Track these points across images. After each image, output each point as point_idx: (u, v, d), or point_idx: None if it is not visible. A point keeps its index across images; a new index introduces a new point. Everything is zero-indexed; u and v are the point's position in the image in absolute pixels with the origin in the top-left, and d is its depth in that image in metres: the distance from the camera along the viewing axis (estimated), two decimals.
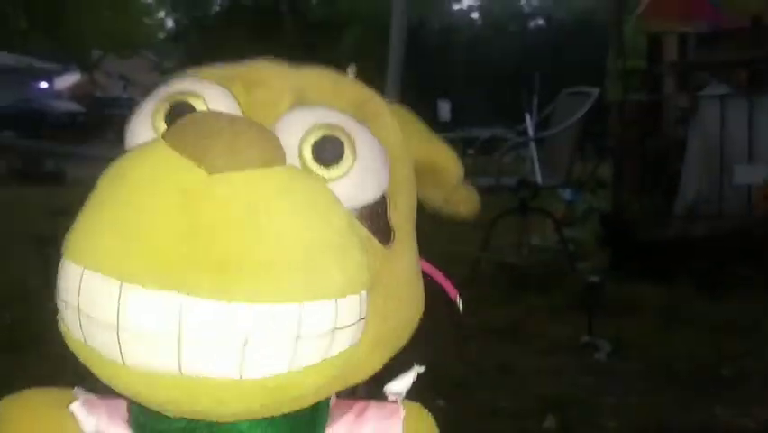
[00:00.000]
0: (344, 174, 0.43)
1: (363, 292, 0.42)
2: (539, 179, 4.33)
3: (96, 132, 20.59)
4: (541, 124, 5.11)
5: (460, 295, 0.58)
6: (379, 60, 4.98)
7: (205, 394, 0.39)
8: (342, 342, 0.41)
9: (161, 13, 22.10)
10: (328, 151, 0.43)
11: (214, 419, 0.41)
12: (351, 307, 0.41)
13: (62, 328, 0.42)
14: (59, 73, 25.13)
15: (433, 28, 17.75)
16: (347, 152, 0.43)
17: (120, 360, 0.38)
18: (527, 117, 5.04)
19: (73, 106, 23.36)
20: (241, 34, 21.04)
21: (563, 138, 4.38)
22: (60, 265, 0.40)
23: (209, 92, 0.45)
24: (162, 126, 0.44)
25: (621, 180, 4.75)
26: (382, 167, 0.45)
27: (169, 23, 23.69)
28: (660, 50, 6.13)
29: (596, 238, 4.95)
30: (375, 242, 0.45)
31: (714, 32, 5.37)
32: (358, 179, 0.44)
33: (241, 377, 0.38)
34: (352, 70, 0.56)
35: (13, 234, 5.45)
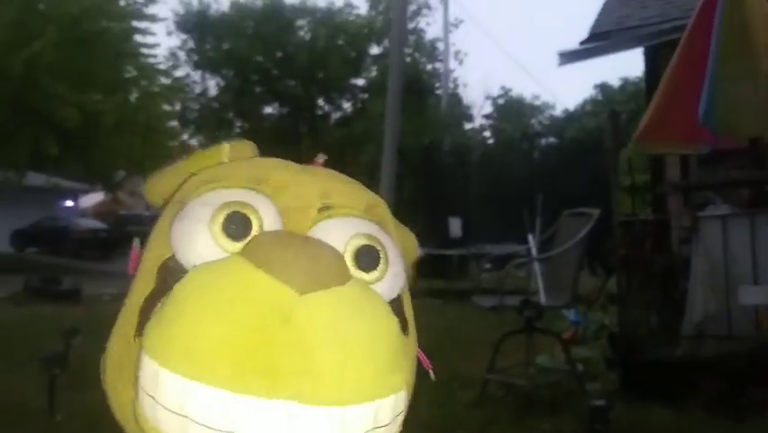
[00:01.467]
0: (380, 278, 0.50)
1: (405, 389, 0.48)
2: (543, 299, 4.33)
3: (118, 249, 20.95)
4: (545, 244, 5.16)
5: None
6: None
7: None
8: (398, 426, 0.48)
9: (185, 136, 22.91)
10: (368, 258, 0.50)
11: None
12: (405, 396, 0.48)
13: (147, 421, 0.45)
14: (85, 192, 25.89)
15: (445, 147, 18.25)
16: (382, 259, 0.50)
17: None
18: (530, 238, 5.09)
19: (96, 224, 23.89)
20: (261, 153, 21.73)
21: (566, 259, 4.40)
22: (149, 368, 0.43)
23: (258, 203, 0.50)
24: (221, 234, 0.48)
25: (628, 299, 4.72)
26: (401, 268, 0.53)
27: (194, 143, 24.66)
28: (662, 169, 6.24)
29: (605, 358, 4.87)
30: (403, 337, 0.50)
31: (715, 151, 5.47)
32: (391, 282, 0.51)
33: None
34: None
35: (21, 353, 5.46)
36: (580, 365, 4.74)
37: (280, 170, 0.56)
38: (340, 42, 21.71)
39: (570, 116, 25.02)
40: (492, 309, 4.51)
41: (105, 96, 14.81)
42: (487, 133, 26.80)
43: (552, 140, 22.85)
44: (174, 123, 20.94)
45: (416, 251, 0.64)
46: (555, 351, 4.97)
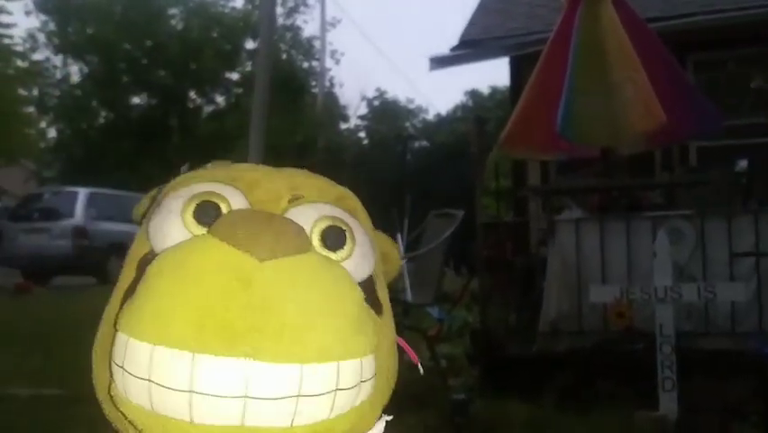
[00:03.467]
0: (347, 257, 0.52)
1: (372, 355, 0.51)
2: (409, 296, 4.44)
3: None
4: (413, 244, 5.30)
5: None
6: None
7: None
8: (364, 394, 0.50)
9: (43, 123, 21.54)
10: (334, 238, 0.52)
11: None
12: (370, 364, 0.50)
13: (118, 394, 0.47)
14: None
15: (319, 146, 18.29)
16: (348, 238, 0.52)
17: (188, 419, 0.44)
18: (398, 237, 5.22)
19: None
20: (127, 147, 20.78)
21: (432, 258, 4.54)
22: (120, 342, 0.46)
23: (228, 192, 0.53)
24: (192, 222, 0.51)
25: (489, 298, 4.93)
26: (371, 251, 0.55)
27: (52, 133, 23.22)
28: (524, 175, 6.58)
29: (467, 355, 5.06)
30: (372, 312, 0.53)
31: (572, 159, 5.82)
32: (357, 261, 0.53)
33: (291, 425, 0.45)
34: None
35: None
36: (444, 361, 4.90)
37: (252, 170, 0.59)
38: (214, 35, 21.19)
39: (441, 121, 25.77)
40: None
41: None
42: (362, 134, 27.09)
43: (424, 143, 23.43)
44: (31, 109, 19.64)
45: (396, 256, 0.66)
46: (420, 347, 5.10)
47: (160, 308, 0.45)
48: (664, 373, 3.82)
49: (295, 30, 22.91)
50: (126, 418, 0.47)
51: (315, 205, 0.55)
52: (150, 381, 0.45)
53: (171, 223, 0.52)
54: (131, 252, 0.56)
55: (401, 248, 5.12)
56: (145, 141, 20.35)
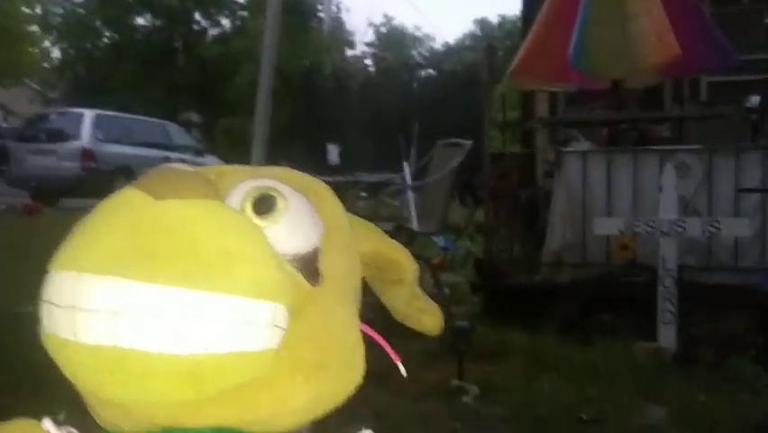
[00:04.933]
0: (275, 222, 0.53)
1: (279, 306, 0.50)
2: (415, 225, 4.46)
3: None
4: (419, 173, 5.28)
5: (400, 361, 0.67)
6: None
7: (137, 363, 0.47)
8: (258, 340, 0.49)
9: (47, 43, 21.23)
10: (262, 203, 0.54)
11: (155, 403, 0.50)
12: (261, 310, 0.50)
13: (42, 331, 0.52)
14: None
15: (326, 72, 18.01)
16: (279, 205, 0.54)
17: (73, 336, 0.48)
18: (405, 166, 5.20)
19: None
20: (131, 68, 20.53)
21: (438, 188, 4.54)
22: (47, 280, 0.51)
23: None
24: None
25: (494, 228, 4.96)
26: (311, 226, 0.56)
27: (55, 53, 22.90)
28: (532, 105, 6.51)
29: (471, 284, 5.12)
30: (300, 277, 0.54)
31: (582, 90, 5.75)
32: (288, 229, 0.54)
33: (162, 352, 0.47)
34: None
35: None
36: (447, 290, 4.97)
37: (227, 167, 0.62)
38: None
39: (449, 50, 25.31)
40: None
41: None
42: (368, 61, 26.66)
43: (431, 72, 23.06)
44: (34, 27, 19.34)
45: (408, 263, 0.66)
46: (424, 275, 5.16)
47: (82, 240, 0.51)
48: (665, 306, 3.88)
49: None
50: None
51: (259, 179, 0.57)
52: (49, 302, 0.50)
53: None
54: None
55: (408, 177, 5.13)
56: (150, 63, 20.10)
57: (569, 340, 4.06)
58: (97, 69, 20.73)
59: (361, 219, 0.67)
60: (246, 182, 0.56)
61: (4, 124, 22.60)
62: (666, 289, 3.87)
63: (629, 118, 5.09)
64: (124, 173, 13.72)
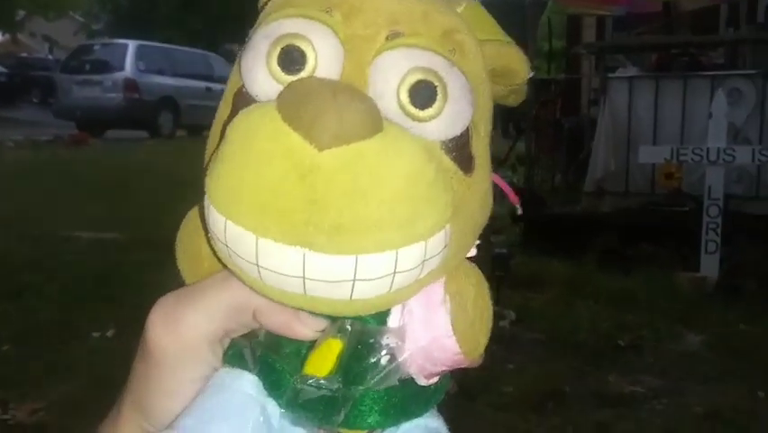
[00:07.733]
0: (436, 116, 0.49)
1: (447, 226, 0.48)
2: None
3: (20, 93, 19.76)
4: None
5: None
6: None
7: (324, 306, 0.49)
8: (431, 266, 0.49)
9: None
10: (423, 95, 0.49)
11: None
12: (438, 241, 0.48)
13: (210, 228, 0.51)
14: None
15: None
16: (440, 95, 0.49)
17: (259, 280, 0.49)
18: None
19: None
20: (174, 2, 20.46)
21: None
22: (206, 202, 0.50)
23: (316, 35, 0.51)
24: (278, 70, 0.50)
25: (536, 158, 4.90)
26: (469, 105, 0.50)
27: None
28: (578, 32, 6.31)
29: (511, 213, 5.11)
30: (459, 174, 0.50)
31: (630, 15, 5.54)
32: (449, 120, 0.49)
33: (351, 299, 0.48)
34: None
35: None
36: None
37: None
38: None
39: None
40: None
41: None
42: None
43: None
44: None
45: (523, 71, 0.61)
46: None
47: (230, 180, 0.48)
48: (708, 236, 3.81)
49: None
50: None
51: (410, 51, 0.50)
52: (226, 245, 0.48)
53: (258, 67, 0.51)
54: (229, 81, 0.55)
55: None
56: None
57: (609, 269, 4.04)
58: (139, 0, 20.70)
59: (485, 19, 0.56)
60: (396, 57, 0.50)
61: (50, 56, 22.88)
62: (711, 218, 3.79)
63: (681, 42, 4.90)
64: (167, 105, 13.89)
